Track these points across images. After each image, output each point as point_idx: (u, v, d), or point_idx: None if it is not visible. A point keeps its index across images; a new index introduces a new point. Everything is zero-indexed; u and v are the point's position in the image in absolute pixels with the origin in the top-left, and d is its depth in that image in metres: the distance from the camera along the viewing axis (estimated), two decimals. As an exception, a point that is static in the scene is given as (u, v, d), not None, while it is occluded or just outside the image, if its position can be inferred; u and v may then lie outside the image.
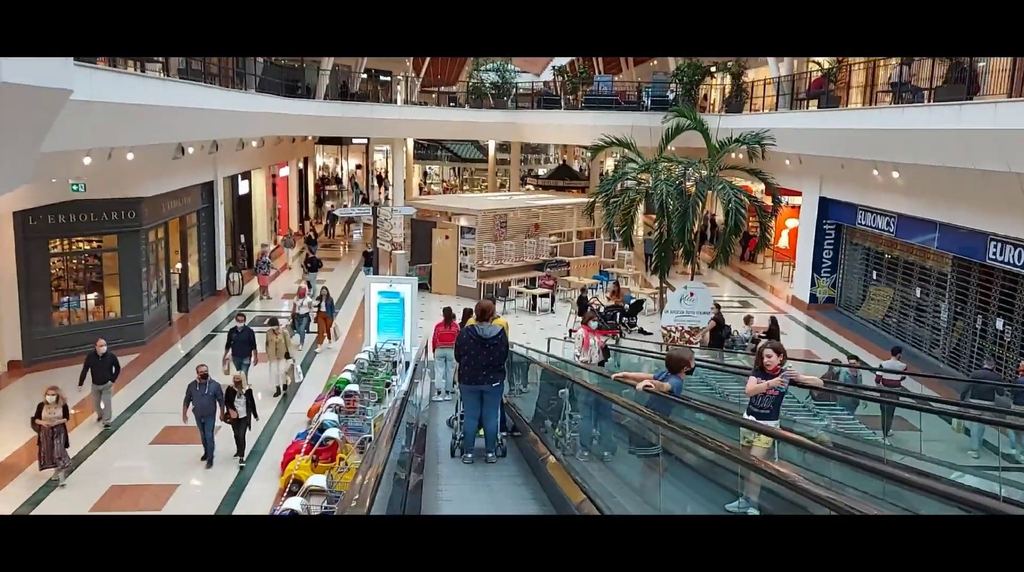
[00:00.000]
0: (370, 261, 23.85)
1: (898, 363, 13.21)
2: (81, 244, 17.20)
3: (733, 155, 20.70)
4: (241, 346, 14.97)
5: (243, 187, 26.47)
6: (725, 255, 18.08)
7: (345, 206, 39.61)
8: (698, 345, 17.51)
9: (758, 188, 21.96)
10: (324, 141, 45.13)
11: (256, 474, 11.62)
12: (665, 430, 5.48)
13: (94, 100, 10.48)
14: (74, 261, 17.16)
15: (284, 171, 33.69)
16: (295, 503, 8.16)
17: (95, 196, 16.05)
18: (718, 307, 17.78)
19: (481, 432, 8.62)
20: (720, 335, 16.56)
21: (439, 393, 13.61)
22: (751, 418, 6.12)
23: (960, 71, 13.31)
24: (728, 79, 28.12)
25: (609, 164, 41.76)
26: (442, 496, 7.54)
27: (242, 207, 26.65)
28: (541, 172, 44.35)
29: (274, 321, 16.88)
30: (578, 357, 12.17)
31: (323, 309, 18.39)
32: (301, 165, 38.26)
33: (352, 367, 14.04)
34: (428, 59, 40.09)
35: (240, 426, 12.00)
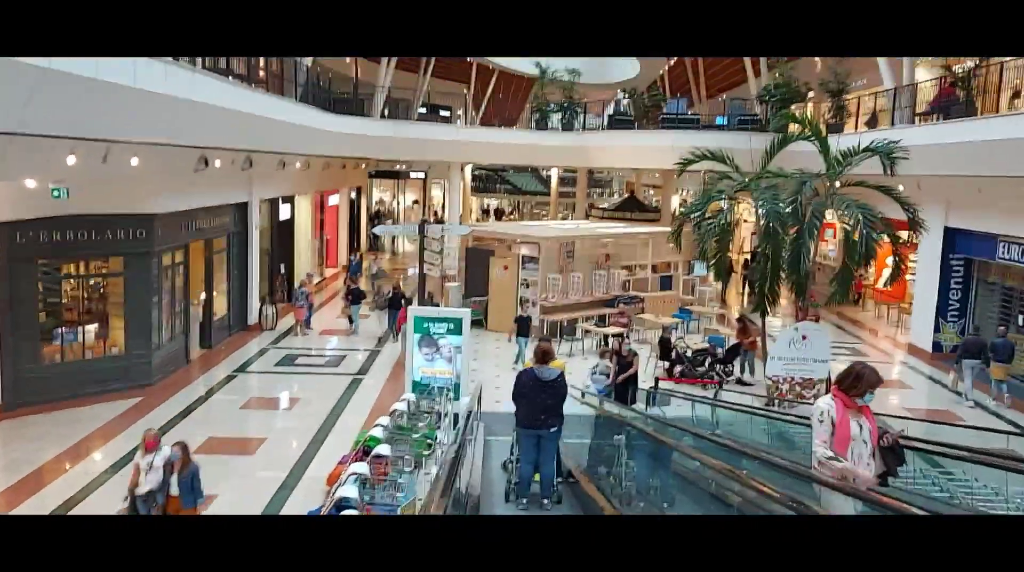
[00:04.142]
0: (524, 327, 17.68)
1: None
2: (79, 267, 14.70)
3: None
4: None
5: (284, 212, 24.14)
6: (844, 289, 14.73)
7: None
8: (811, 400, 14.34)
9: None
10: (379, 175, 43.07)
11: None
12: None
13: (55, 68, 8.04)
14: (71, 286, 14.67)
15: (334, 199, 31.51)
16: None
17: (96, 210, 13.71)
18: (625, 343, 14.85)
19: (536, 477, 8.56)
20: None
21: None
22: None
23: None
24: (817, 101, 24.94)
25: (675, 202, 38.62)
26: None
27: (283, 234, 24.26)
28: (604, 206, 41.27)
29: None
30: (819, 461, 4.98)
31: (175, 491, 8.96)
32: (354, 195, 36.09)
33: (385, 421, 11.20)
34: (489, 91, 37.96)
35: None
